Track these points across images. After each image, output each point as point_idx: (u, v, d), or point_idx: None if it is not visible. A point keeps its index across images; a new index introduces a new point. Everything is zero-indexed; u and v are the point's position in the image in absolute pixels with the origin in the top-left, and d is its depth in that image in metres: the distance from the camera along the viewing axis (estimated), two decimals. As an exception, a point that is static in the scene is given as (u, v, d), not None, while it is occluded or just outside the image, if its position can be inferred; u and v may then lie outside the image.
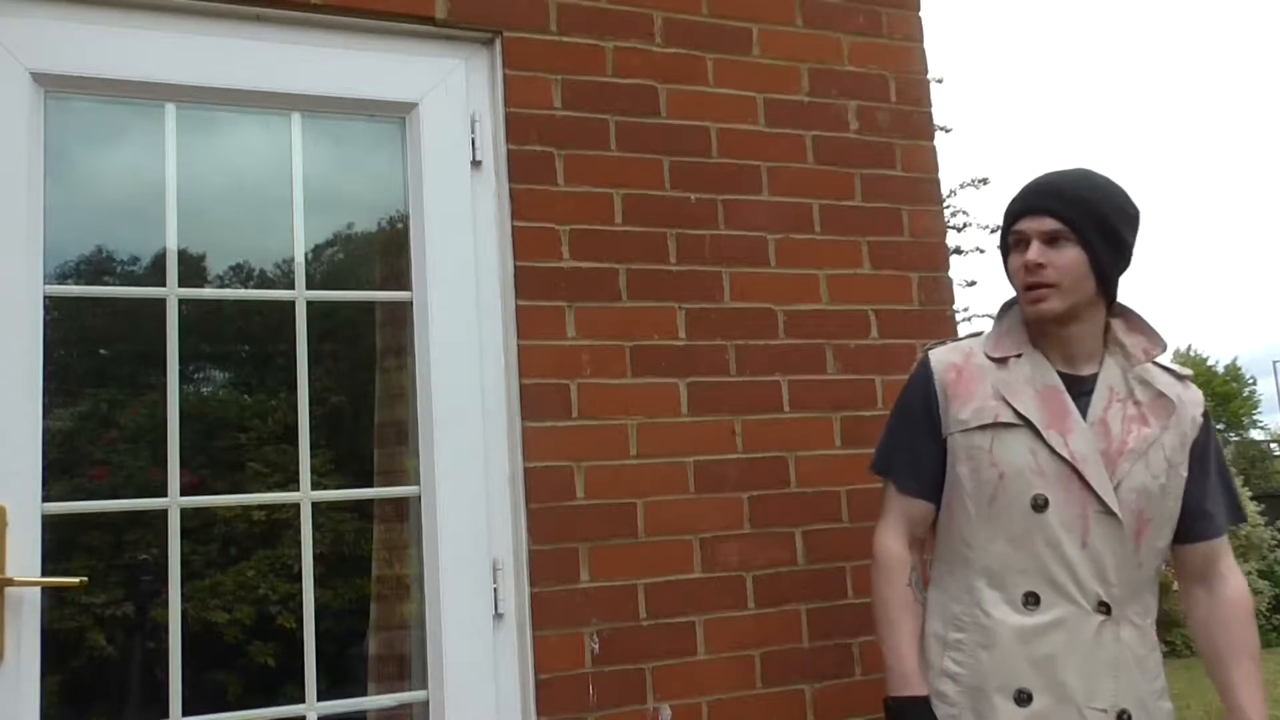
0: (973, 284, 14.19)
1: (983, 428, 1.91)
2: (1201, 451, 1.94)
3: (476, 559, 2.25)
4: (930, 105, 2.84)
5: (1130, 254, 1.93)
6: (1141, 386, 1.93)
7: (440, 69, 2.39)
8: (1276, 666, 10.38)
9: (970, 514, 1.93)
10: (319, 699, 2.17)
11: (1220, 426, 27.13)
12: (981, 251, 14.50)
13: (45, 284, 2.07)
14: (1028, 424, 1.88)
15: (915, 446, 2.01)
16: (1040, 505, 1.85)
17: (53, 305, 2.10)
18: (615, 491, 2.34)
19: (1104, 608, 1.83)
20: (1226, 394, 28.07)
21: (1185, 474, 1.91)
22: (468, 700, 2.20)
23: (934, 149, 2.81)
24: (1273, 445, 22.54)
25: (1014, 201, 1.96)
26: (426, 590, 2.26)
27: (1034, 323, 1.95)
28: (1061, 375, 1.93)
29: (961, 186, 13.82)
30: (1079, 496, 1.85)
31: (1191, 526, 1.94)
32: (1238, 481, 14.00)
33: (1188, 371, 2.03)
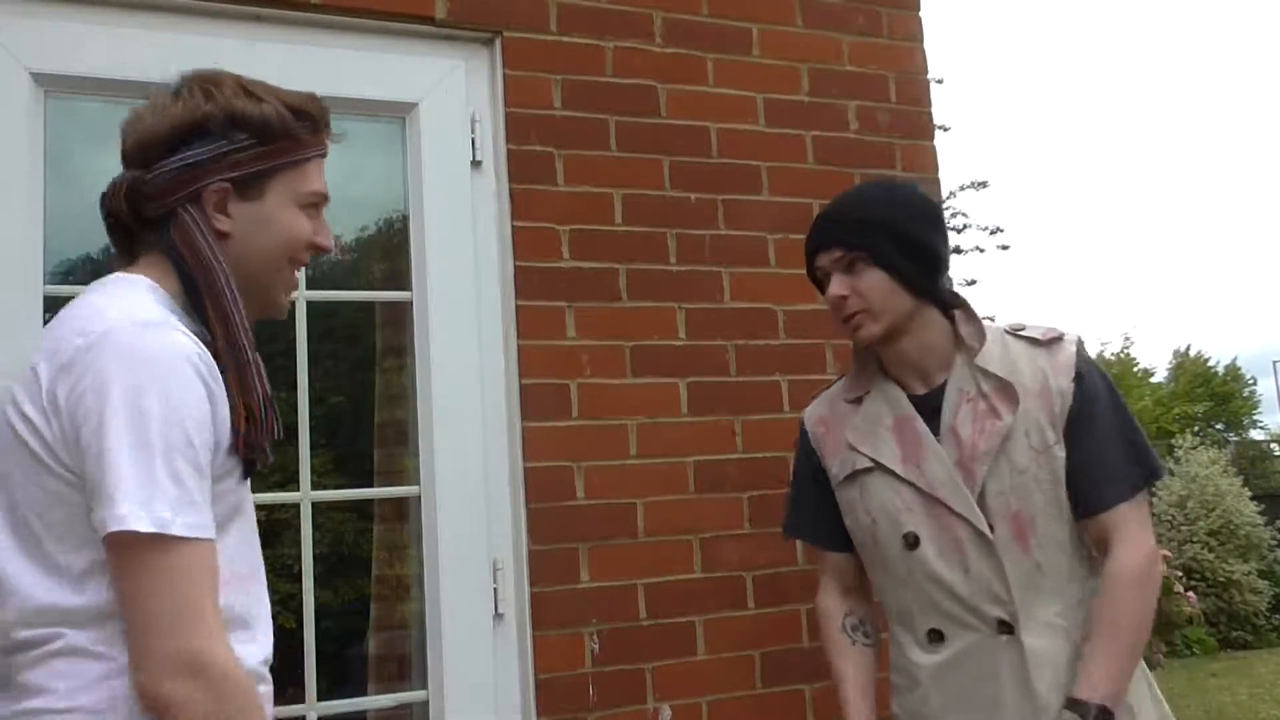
0: (973, 283, 14.21)
1: (849, 478, 1.88)
2: (1080, 420, 1.75)
3: (476, 559, 2.25)
4: (930, 105, 2.84)
5: (942, 254, 1.86)
6: (985, 377, 1.78)
7: (440, 69, 2.39)
8: (1277, 666, 10.38)
9: (867, 562, 1.92)
10: (319, 699, 2.17)
11: (1220, 426, 27.04)
12: (981, 251, 14.51)
13: (45, 284, 2.07)
14: (883, 465, 1.84)
15: (815, 504, 1.98)
16: (912, 543, 1.79)
17: (52, 305, 2.10)
18: (615, 491, 2.34)
19: (1005, 627, 1.74)
20: (1226, 394, 28.01)
21: (1062, 452, 1.75)
22: (468, 700, 2.20)
23: (934, 149, 2.82)
24: (1273, 445, 22.55)
25: (807, 240, 1.91)
26: (426, 590, 2.25)
27: (873, 349, 1.89)
28: (916, 398, 1.85)
29: (961, 189, 13.92)
30: (948, 523, 1.77)
31: (1080, 501, 1.76)
32: (1237, 477, 13.77)
33: (1056, 331, 1.82)
